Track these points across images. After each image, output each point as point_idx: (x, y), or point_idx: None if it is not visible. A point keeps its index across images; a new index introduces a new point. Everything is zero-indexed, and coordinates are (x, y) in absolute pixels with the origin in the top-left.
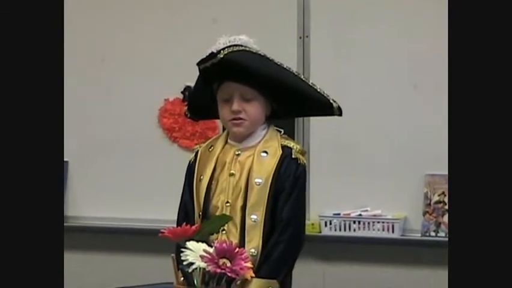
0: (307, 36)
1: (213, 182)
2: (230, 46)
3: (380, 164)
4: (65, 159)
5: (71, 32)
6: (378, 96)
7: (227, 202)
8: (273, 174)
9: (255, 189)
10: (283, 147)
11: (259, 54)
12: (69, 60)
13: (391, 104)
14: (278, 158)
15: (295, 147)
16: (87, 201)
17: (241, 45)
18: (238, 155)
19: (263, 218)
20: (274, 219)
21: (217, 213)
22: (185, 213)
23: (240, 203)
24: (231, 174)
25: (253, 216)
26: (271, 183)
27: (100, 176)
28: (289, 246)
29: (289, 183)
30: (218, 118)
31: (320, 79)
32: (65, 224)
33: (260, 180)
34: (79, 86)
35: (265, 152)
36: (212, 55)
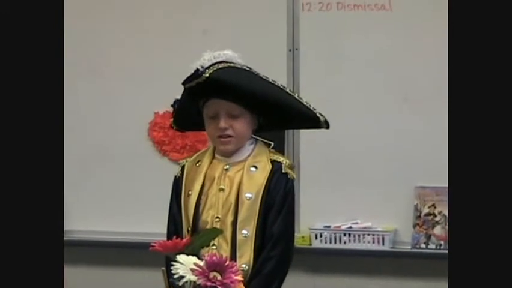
0: (297, 49)
1: (202, 197)
2: (215, 64)
3: (370, 176)
4: None
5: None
6: (368, 109)
7: (217, 217)
8: (264, 189)
9: (246, 204)
10: (273, 161)
11: (244, 70)
12: None
13: (381, 116)
14: (268, 173)
15: (284, 162)
16: (78, 215)
17: (226, 62)
18: (227, 169)
19: (254, 233)
20: (264, 234)
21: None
22: (174, 226)
23: (230, 218)
24: (221, 189)
25: (244, 232)
26: (262, 198)
27: (91, 190)
28: (281, 261)
29: (280, 198)
30: (205, 130)
31: (310, 92)
32: None
33: (250, 195)
34: (67, 101)
35: (255, 166)
36: (197, 74)
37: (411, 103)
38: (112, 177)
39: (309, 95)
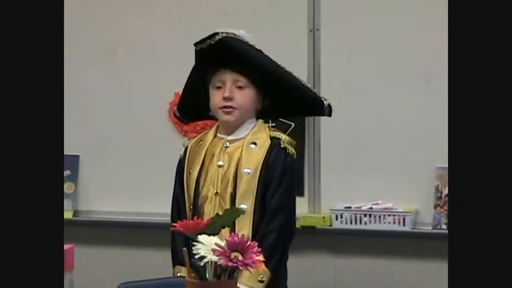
0: (317, 30)
1: (202, 173)
2: (228, 33)
3: (391, 157)
4: (76, 154)
5: (83, 26)
6: (389, 90)
7: (216, 192)
8: (262, 164)
9: (244, 179)
10: (272, 138)
11: (255, 48)
12: (81, 55)
13: (403, 97)
14: (267, 148)
15: (283, 138)
16: (98, 196)
17: (239, 36)
18: (226, 146)
19: (253, 207)
20: (263, 209)
21: (206, 204)
22: (177, 207)
23: (228, 192)
24: (220, 166)
25: (243, 206)
26: (260, 172)
27: (111, 170)
28: (280, 235)
29: (278, 172)
30: (209, 118)
31: (330, 73)
32: (76, 219)
33: (249, 170)
34: (90, 80)
35: (254, 143)
36: (209, 36)
37: (434, 83)
38: (133, 158)
39: (330, 76)
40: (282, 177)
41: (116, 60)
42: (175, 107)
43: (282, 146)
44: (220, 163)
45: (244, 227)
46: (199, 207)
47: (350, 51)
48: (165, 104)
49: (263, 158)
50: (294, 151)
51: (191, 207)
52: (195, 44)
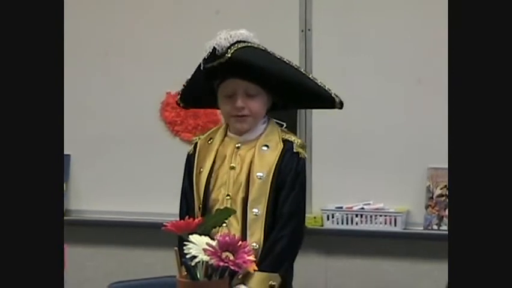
0: (309, 30)
1: (213, 175)
2: (235, 43)
3: (383, 157)
4: (67, 153)
5: (74, 26)
6: (381, 90)
7: (227, 195)
8: (275, 169)
9: (257, 183)
10: (284, 141)
11: (261, 49)
12: (72, 54)
13: (394, 97)
14: (279, 152)
15: (296, 141)
16: (89, 195)
17: (244, 41)
18: (238, 147)
19: (265, 212)
20: (275, 213)
21: (217, 206)
22: (186, 201)
23: (240, 196)
24: (232, 168)
25: (255, 210)
26: (273, 177)
27: (102, 170)
28: (291, 240)
29: (291, 177)
30: (210, 107)
31: (322, 73)
32: (67, 218)
33: (261, 174)
34: (81, 80)
35: (266, 145)
36: (218, 54)
37: (425, 84)
38: (125, 158)
39: (321, 76)
40: (294, 182)
41: (108, 60)
42: (178, 96)
43: (294, 150)
44: (232, 165)
45: (256, 232)
46: (210, 209)
47: (341, 51)
48: (157, 104)
49: (275, 162)
50: (305, 155)
51: (200, 206)
52: (204, 64)
